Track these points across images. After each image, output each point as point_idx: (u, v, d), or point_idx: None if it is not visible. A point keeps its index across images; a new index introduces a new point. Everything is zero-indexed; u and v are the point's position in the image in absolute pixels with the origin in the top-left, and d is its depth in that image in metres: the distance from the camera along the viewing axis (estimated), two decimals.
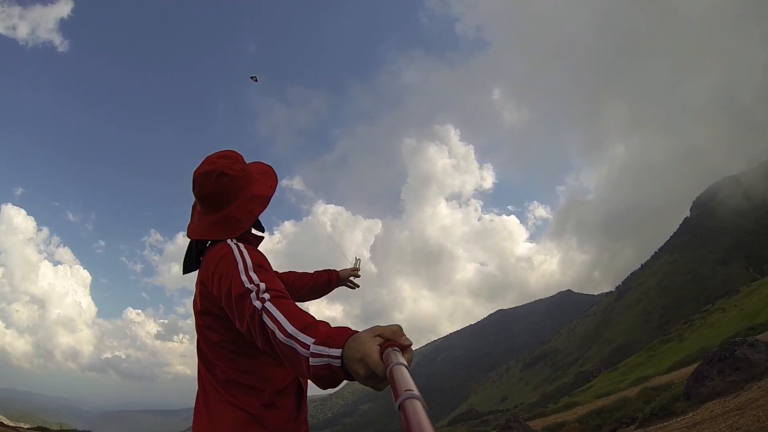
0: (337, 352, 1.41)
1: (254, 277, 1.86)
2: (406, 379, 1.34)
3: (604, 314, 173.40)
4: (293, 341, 1.53)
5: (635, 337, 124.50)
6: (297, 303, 1.77)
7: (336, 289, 3.35)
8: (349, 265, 3.32)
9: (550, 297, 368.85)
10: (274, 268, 2.20)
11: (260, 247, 2.32)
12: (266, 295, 1.74)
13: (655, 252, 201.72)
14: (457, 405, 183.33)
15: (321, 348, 1.44)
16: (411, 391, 1.34)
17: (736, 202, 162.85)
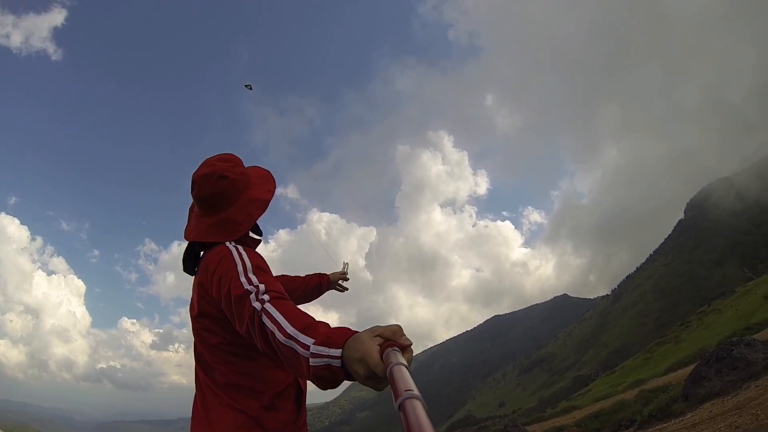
0: (337, 352, 1.41)
1: (253, 278, 1.86)
2: (406, 379, 1.34)
3: (601, 318, 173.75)
4: (293, 342, 1.54)
5: (632, 339, 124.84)
6: None
7: (328, 293, 3.35)
8: (338, 269, 3.33)
9: (546, 302, 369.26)
10: None
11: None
12: (266, 297, 1.74)
13: (651, 254, 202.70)
14: (455, 411, 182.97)
15: (321, 348, 1.44)
16: (411, 391, 1.34)
17: (730, 203, 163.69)
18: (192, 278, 2.28)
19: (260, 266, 1.97)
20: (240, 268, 1.93)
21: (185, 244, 2.35)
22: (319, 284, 3.18)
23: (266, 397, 2.08)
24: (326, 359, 1.42)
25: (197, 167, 2.26)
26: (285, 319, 1.62)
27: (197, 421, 2.11)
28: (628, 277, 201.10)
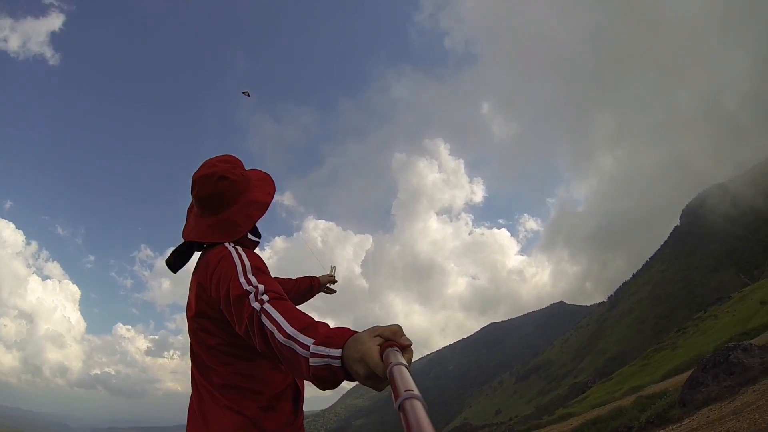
0: (337, 352, 1.41)
1: (253, 279, 1.86)
2: (406, 379, 1.34)
3: (597, 325, 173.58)
4: (292, 342, 1.53)
5: (629, 346, 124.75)
6: None
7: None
8: (326, 273, 3.40)
9: (543, 309, 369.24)
10: None
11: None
12: (265, 297, 1.74)
13: (647, 261, 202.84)
14: (452, 419, 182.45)
15: (321, 348, 1.44)
16: (411, 391, 1.34)
17: (725, 209, 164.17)
18: (189, 278, 2.27)
19: (259, 267, 1.97)
20: (239, 268, 1.92)
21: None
22: (310, 287, 3.23)
23: (264, 398, 2.06)
24: (326, 359, 1.42)
25: (198, 168, 2.27)
26: (284, 319, 1.62)
27: (194, 422, 2.10)
28: (624, 283, 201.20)
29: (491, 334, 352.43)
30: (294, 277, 3.22)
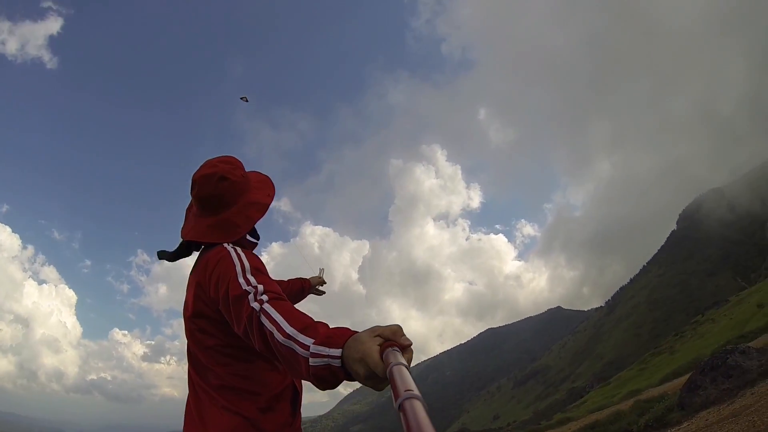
0: (337, 352, 1.41)
1: (252, 279, 1.86)
2: (406, 379, 1.34)
3: (595, 329, 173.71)
4: (292, 342, 1.53)
5: (627, 351, 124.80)
6: None
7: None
8: (316, 276, 3.48)
9: (540, 314, 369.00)
10: None
11: None
12: (264, 297, 1.74)
13: (644, 266, 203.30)
14: (449, 425, 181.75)
15: (321, 348, 1.44)
16: (411, 391, 1.33)
17: (721, 214, 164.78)
18: (186, 282, 2.27)
19: (258, 268, 1.97)
20: (238, 268, 1.92)
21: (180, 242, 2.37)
22: (301, 288, 3.28)
23: (263, 399, 2.06)
24: (326, 359, 1.42)
25: (198, 168, 2.26)
26: (284, 319, 1.62)
27: (190, 422, 2.09)
28: (621, 288, 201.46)
29: (489, 340, 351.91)
30: (286, 279, 3.25)
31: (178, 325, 2.24)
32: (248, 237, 2.38)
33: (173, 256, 2.36)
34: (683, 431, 12.29)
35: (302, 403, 2.24)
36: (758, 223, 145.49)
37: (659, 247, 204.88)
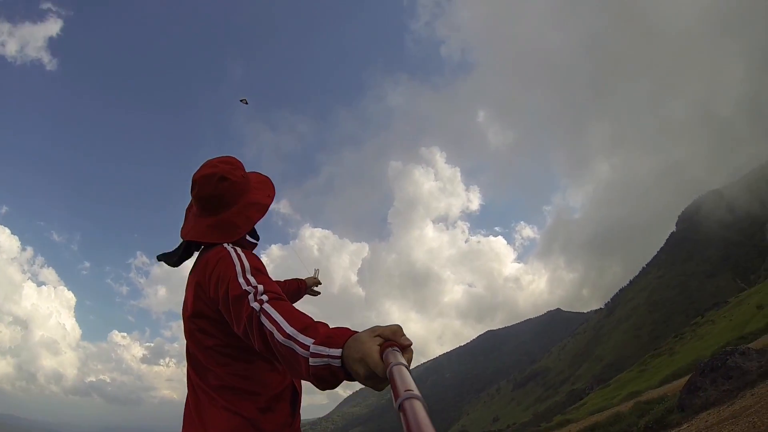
0: (337, 352, 1.41)
1: (252, 279, 1.86)
2: (406, 379, 1.33)
3: (594, 331, 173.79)
4: (292, 342, 1.53)
5: (626, 352, 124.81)
6: None
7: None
8: (312, 276, 3.53)
9: (540, 316, 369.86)
10: None
11: None
12: (264, 297, 1.74)
13: (643, 267, 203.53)
14: (449, 427, 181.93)
15: (321, 348, 1.43)
16: (411, 391, 1.33)
17: (721, 215, 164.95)
18: (185, 283, 2.28)
19: (258, 268, 1.97)
20: (238, 268, 1.93)
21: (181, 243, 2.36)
22: (297, 288, 3.31)
23: (262, 399, 2.05)
24: (326, 359, 1.42)
25: (198, 168, 2.26)
26: (284, 319, 1.62)
27: (189, 422, 2.09)
28: (621, 290, 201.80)
29: (488, 342, 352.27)
30: (282, 280, 3.26)
31: (178, 327, 2.21)
32: (248, 237, 2.38)
33: (177, 261, 2.35)
34: None
35: (301, 405, 2.24)
36: (757, 225, 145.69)
37: (659, 249, 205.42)
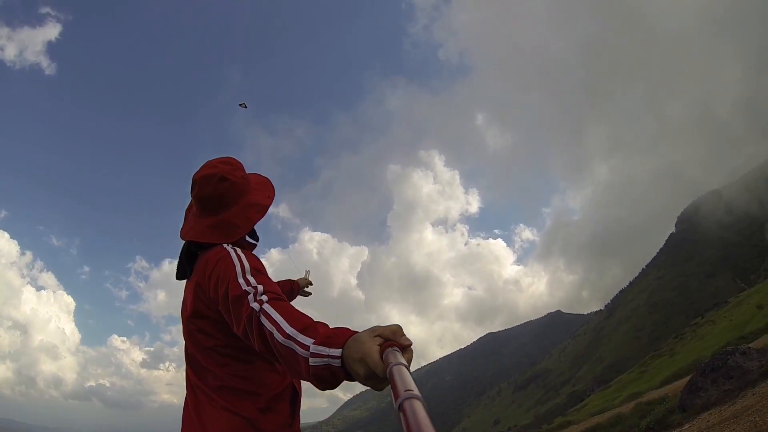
0: (337, 352, 1.40)
1: (252, 280, 1.87)
2: (406, 379, 1.33)
3: (595, 333, 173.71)
4: (292, 342, 1.53)
5: (627, 354, 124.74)
6: None
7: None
8: (303, 277, 3.61)
9: (540, 318, 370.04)
10: None
11: None
12: (264, 297, 1.75)
13: (643, 269, 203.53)
14: (450, 429, 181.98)
15: (321, 348, 1.43)
16: (411, 391, 1.32)
17: (720, 216, 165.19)
18: (183, 286, 2.29)
19: (258, 268, 1.97)
20: (238, 269, 1.93)
21: (176, 263, 2.34)
22: (291, 289, 3.34)
23: (262, 400, 2.05)
24: (326, 359, 1.42)
25: (198, 168, 2.27)
26: (284, 319, 1.62)
27: (189, 423, 2.09)
28: (621, 291, 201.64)
29: (488, 344, 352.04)
30: (276, 281, 3.13)
31: (177, 331, 2.22)
32: (248, 238, 2.39)
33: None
34: None
35: (302, 408, 2.24)
36: (756, 225, 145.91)
37: (658, 250, 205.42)
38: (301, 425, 2.22)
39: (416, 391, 1.33)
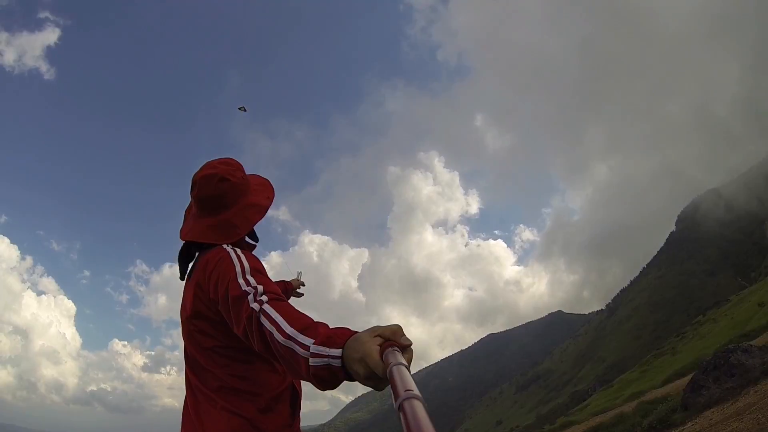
0: (337, 352, 1.41)
1: (252, 280, 1.86)
2: (405, 379, 1.32)
3: (596, 333, 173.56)
4: (292, 342, 1.53)
5: (628, 353, 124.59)
6: None
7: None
8: (295, 278, 3.67)
9: (541, 318, 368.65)
10: None
11: None
12: (264, 298, 1.74)
13: (643, 268, 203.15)
14: (453, 431, 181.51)
15: (321, 348, 1.43)
16: (411, 391, 1.32)
17: (719, 214, 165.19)
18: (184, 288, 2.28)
19: (258, 269, 1.97)
20: (238, 269, 1.93)
21: (176, 266, 2.36)
22: (285, 290, 3.35)
23: (262, 400, 2.05)
24: (326, 359, 1.42)
25: (198, 169, 2.28)
26: (284, 319, 1.61)
27: (188, 423, 2.09)
28: (621, 291, 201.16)
29: (490, 345, 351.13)
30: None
31: (178, 335, 2.20)
32: (247, 239, 2.41)
33: (183, 272, 2.34)
34: (688, 431, 12.23)
35: (303, 411, 2.23)
36: (756, 222, 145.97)
37: (658, 249, 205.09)
38: (303, 428, 2.22)
39: (416, 391, 1.32)
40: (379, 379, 1.35)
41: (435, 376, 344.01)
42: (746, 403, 11.62)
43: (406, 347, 1.37)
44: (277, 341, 1.58)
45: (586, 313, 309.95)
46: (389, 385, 1.33)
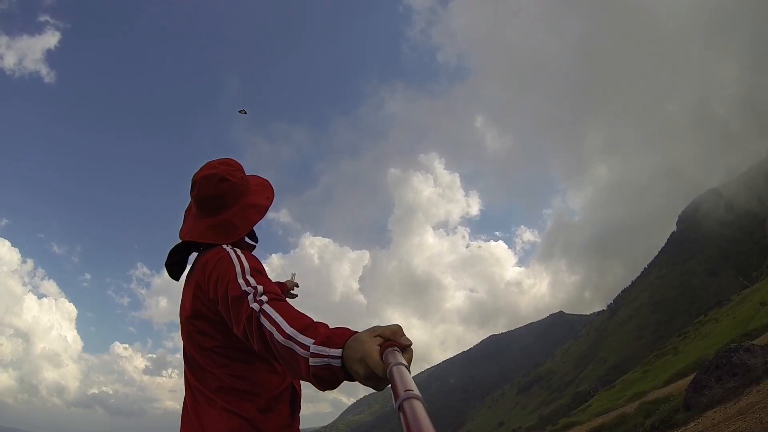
0: (337, 352, 1.40)
1: (251, 280, 1.86)
2: (405, 379, 1.32)
3: (598, 333, 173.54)
4: (292, 342, 1.52)
5: (630, 353, 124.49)
6: None
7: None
8: (290, 280, 3.70)
9: (542, 319, 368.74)
10: None
11: None
12: (264, 298, 1.74)
13: (645, 268, 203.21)
14: None
15: (321, 348, 1.43)
16: (411, 391, 1.32)
17: (720, 214, 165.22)
18: (182, 282, 2.30)
19: (258, 269, 1.97)
20: (238, 269, 1.93)
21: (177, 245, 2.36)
22: (280, 291, 3.29)
23: (262, 400, 2.05)
24: (326, 359, 1.42)
25: (198, 169, 2.28)
26: (284, 319, 1.61)
27: (188, 423, 2.09)
28: (623, 291, 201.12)
29: (491, 347, 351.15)
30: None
31: (179, 338, 2.22)
32: (247, 239, 2.41)
33: (174, 267, 2.35)
34: (690, 431, 12.22)
35: (305, 413, 2.22)
36: (757, 222, 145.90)
37: (659, 249, 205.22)
38: (305, 430, 2.20)
39: (416, 391, 1.32)
40: (379, 379, 1.34)
41: (436, 377, 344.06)
42: (749, 402, 11.59)
43: (406, 347, 1.37)
44: (277, 341, 1.57)
45: (588, 313, 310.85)
46: (389, 386, 1.33)
